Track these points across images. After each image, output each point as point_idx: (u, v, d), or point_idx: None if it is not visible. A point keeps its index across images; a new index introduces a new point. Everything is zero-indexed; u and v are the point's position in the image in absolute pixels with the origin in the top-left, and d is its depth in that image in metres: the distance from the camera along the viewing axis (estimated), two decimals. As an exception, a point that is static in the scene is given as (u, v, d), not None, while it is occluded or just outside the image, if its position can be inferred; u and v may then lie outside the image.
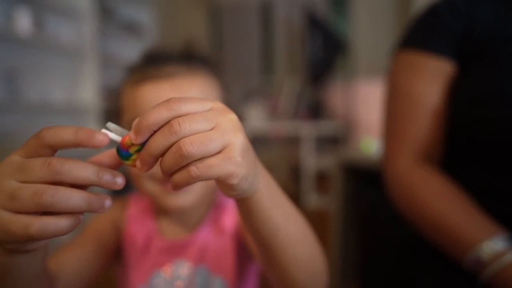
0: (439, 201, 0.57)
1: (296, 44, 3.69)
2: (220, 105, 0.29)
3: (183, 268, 0.54)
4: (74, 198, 0.24)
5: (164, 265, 0.54)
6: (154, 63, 0.52)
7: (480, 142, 0.58)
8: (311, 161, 3.12)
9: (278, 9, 3.72)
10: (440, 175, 0.61)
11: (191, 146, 0.25)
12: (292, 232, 0.36)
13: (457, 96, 0.62)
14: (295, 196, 3.13)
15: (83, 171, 0.25)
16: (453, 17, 0.63)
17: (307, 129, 3.14)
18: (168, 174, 0.27)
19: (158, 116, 0.26)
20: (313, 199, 3.02)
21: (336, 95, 3.15)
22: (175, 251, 0.54)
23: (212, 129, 0.27)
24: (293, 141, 3.56)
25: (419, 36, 0.66)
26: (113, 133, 0.28)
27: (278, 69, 3.82)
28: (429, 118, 0.62)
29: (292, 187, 3.14)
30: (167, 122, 0.26)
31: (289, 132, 3.27)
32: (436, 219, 0.56)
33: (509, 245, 0.49)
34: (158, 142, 0.26)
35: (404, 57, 0.67)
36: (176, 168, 0.26)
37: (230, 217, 0.56)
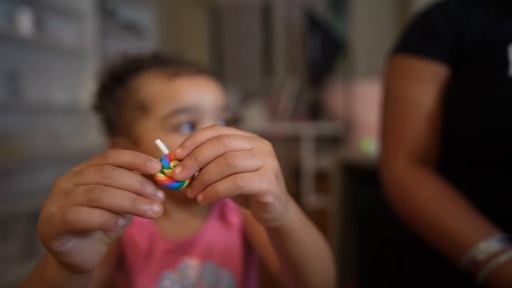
0: (435, 203, 0.57)
1: (295, 45, 3.69)
2: (255, 135, 0.33)
3: (191, 266, 0.54)
4: (119, 195, 0.26)
5: (172, 265, 0.54)
6: (171, 63, 0.54)
7: (474, 144, 0.58)
8: (311, 161, 3.13)
9: (277, 10, 3.72)
10: (436, 177, 0.61)
11: (236, 158, 0.28)
12: (317, 249, 0.41)
13: (450, 100, 0.62)
14: (295, 196, 3.13)
15: (129, 178, 0.27)
16: (445, 22, 0.63)
17: (307, 130, 3.15)
18: (206, 184, 0.28)
19: (205, 135, 0.29)
20: (312, 199, 3.03)
21: (335, 95, 3.15)
22: (181, 250, 0.54)
23: (251, 149, 0.30)
24: (293, 141, 3.56)
25: (412, 41, 0.67)
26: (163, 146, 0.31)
27: (277, 70, 3.83)
28: (424, 121, 0.63)
29: (292, 187, 3.14)
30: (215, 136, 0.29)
31: (289, 133, 3.27)
32: (432, 221, 0.56)
33: (504, 246, 0.49)
34: (207, 150, 0.28)
35: (399, 61, 0.68)
36: (217, 178, 0.28)
37: (234, 212, 0.57)
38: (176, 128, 0.49)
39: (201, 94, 0.52)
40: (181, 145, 0.29)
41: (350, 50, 3.31)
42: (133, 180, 0.27)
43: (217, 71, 4.05)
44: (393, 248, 0.83)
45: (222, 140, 0.28)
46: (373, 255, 1.15)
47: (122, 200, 0.26)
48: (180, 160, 0.29)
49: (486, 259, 0.49)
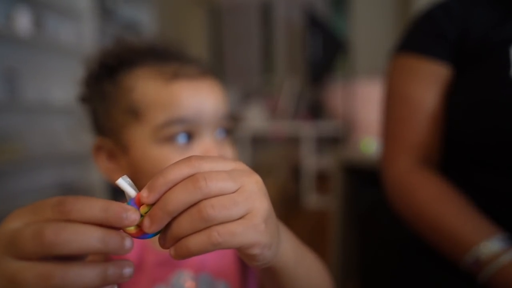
0: (436, 203, 0.57)
1: (296, 44, 3.70)
2: (243, 165, 0.27)
3: (184, 278, 0.50)
4: (85, 235, 0.21)
5: (164, 278, 0.49)
6: (170, 60, 0.48)
7: (476, 145, 0.58)
8: (311, 161, 3.13)
9: (278, 9, 3.72)
10: (437, 177, 0.61)
11: (213, 209, 0.23)
12: (313, 277, 0.37)
13: (452, 100, 0.62)
14: (295, 196, 3.13)
15: (88, 238, 0.21)
16: (449, 21, 0.63)
17: (307, 129, 3.15)
18: (178, 238, 0.24)
19: (178, 173, 0.24)
20: (313, 199, 3.02)
21: (336, 95, 3.15)
22: (173, 261, 0.50)
23: (236, 191, 0.25)
24: (293, 141, 3.56)
25: (416, 40, 0.66)
26: (128, 185, 0.25)
27: (278, 69, 3.83)
28: (426, 121, 0.63)
29: (292, 187, 3.14)
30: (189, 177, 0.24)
31: (289, 132, 3.27)
32: (434, 221, 0.56)
33: (506, 245, 0.49)
34: (179, 197, 0.23)
35: (402, 61, 0.67)
36: (190, 232, 0.23)
37: None
38: (170, 139, 0.44)
39: (201, 102, 0.46)
40: (149, 187, 0.24)
41: (350, 49, 3.31)
42: (92, 240, 0.21)
43: (217, 70, 4.05)
44: (393, 248, 0.82)
45: (198, 184, 0.23)
46: (373, 256, 1.14)
47: (90, 240, 0.21)
48: (150, 205, 0.24)
49: (488, 259, 0.49)
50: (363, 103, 2.84)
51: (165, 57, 0.49)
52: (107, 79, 0.48)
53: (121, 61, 0.48)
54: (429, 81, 0.63)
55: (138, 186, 0.37)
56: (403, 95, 0.65)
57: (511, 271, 0.47)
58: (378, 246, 1.10)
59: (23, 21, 1.97)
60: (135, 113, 0.45)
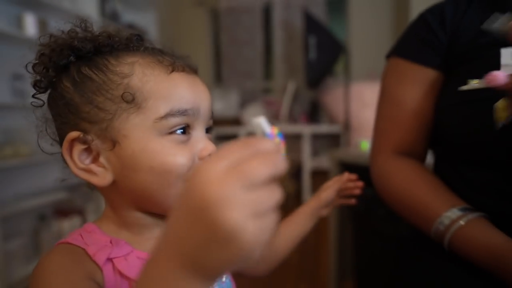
0: (409, 184, 0.63)
1: (294, 47, 3.73)
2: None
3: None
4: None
5: None
6: (162, 52, 0.45)
7: (463, 144, 0.61)
8: (311, 161, 3.16)
9: (277, 12, 3.75)
10: (414, 163, 0.66)
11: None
12: None
13: (442, 102, 0.65)
14: (295, 196, 3.17)
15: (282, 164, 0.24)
16: (442, 28, 0.65)
17: (307, 131, 3.18)
18: None
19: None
20: (312, 199, 3.06)
21: (334, 97, 3.18)
22: None
23: None
24: (293, 143, 3.59)
25: (408, 46, 0.71)
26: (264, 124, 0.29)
27: (277, 72, 3.85)
28: (410, 119, 0.68)
29: (292, 187, 3.17)
30: None
31: (289, 134, 3.30)
32: (407, 200, 0.63)
33: (464, 212, 0.55)
34: None
35: (393, 64, 0.72)
36: None
37: None
38: (170, 131, 0.42)
39: (199, 96, 0.45)
40: None
41: (348, 52, 3.35)
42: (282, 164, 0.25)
43: (217, 72, 4.09)
44: (390, 245, 0.85)
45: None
46: (370, 253, 1.17)
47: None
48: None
49: (449, 224, 0.55)
50: (361, 106, 2.87)
51: (155, 49, 0.46)
52: (84, 64, 0.42)
53: (99, 46, 0.43)
54: (416, 84, 0.67)
55: (133, 181, 0.41)
56: (392, 96, 0.71)
57: (469, 231, 0.53)
58: (374, 243, 1.13)
59: (30, 25, 2.02)
60: (132, 102, 0.41)
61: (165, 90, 0.42)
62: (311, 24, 3.13)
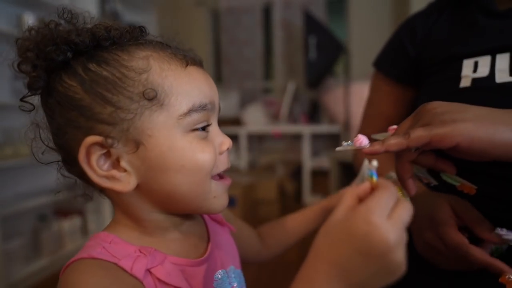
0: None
1: (295, 47, 3.73)
2: None
3: (223, 278, 0.47)
4: None
5: (211, 286, 0.45)
6: (170, 46, 0.44)
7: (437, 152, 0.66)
8: (311, 161, 3.17)
9: (277, 12, 3.76)
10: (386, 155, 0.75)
11: None
12: None
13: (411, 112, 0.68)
14: (295, 196, 3.18)
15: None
16: (411, 41, 0.69)
17: (307, 131, 3.19)
18: None
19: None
20: (313, 199, 3.07)
21: (334, 97, 3.19)
22: (208, 266, 0.45)
23: None
24: (293, 143, 3.60)
25: (382, 59, 0.78)
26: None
27: (277, 72, 3.86)
28: (383, 121, 0.75)
29: (293, 187, 3.18)
30: None
31: (288, 135, 3.30)
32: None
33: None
34: None
35: (374, 72, 0.81)
36: None
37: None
38: (193, 128, 0.40)
39: (213, 88, 0.44)
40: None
41: (348, 52, 3.35)
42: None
43: (217, 72, 4.09)
44: None
45: None
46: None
47: None
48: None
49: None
50: (361, 106, 2.87)
51: (160, 42, 0.43)
52: (90, 60, 0.38)
53: (98, 39, 0.39)
54: (387, 95, 0.76)
55: (160, 182, 0.39)
56: (371, 99, 0.81)
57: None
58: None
59: (30, 24, 2.02)
60: (154, 99, 0.38)
61: (186, 85, 0.40)
62: (311, 24, 3.13)
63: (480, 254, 0.46)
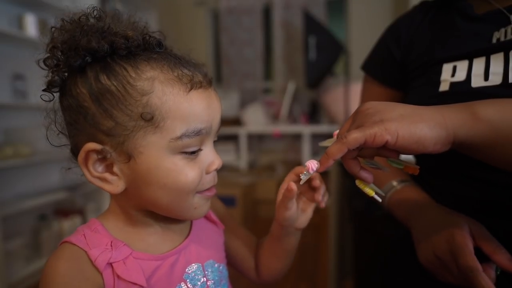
0: None
1: (294, 47, 3.73)
2: None
3: (195, 271, 0.49)
4: None
5: (179, 278, 0.47)
6: (181, 63, 0.44)
7: (422, 156, 0.67)
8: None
9: (277, 12, 3.76)
10: None
11: None
12: None
13: None
14: (294, 197, 3.17)
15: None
16: (397, 45, 0.70)
17: (307, 131, 3.19)
18: None
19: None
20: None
21: (334, 98, 3.19)
22: (180, 259, 0.48)
23: None
24: (293, 143, 3.60)
25: (370, 61, 0.79)
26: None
27: (277, 72, 3.86)
28: None
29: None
30: None
31: (288, 135, 3.31)
32: None
33: (403, 182, 0.67)
34: None
35: (365, 74, 0.82)
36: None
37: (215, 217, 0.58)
38: (183, 150, 0.43)
39: (213, 113, 0.45)
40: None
41: (348, 53, 3.35)
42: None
43: (217, 73, 4.09)
44: (389, 245, 0.86)
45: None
46: (370, 253, 1.17)
47: None
48: None
49: (387, 189, 0.67)
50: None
51: (172, 59, 0.44)
52: (103, 72, 0.41)
53: (116, 48, 0.41)
54: (375, 97, 0.77)
55: (144, 192, 0.43)
56: (363, 101, 0.81)
57: (403, 192, 0.65)
58: (373, 243, 1.14)
59: (30, 25, 2.03)
60: (150, 121, 0.41)
61: (183, 110, 0.42)
62: (311, 24, 3.14)
63: (487, 284, 0.46)
